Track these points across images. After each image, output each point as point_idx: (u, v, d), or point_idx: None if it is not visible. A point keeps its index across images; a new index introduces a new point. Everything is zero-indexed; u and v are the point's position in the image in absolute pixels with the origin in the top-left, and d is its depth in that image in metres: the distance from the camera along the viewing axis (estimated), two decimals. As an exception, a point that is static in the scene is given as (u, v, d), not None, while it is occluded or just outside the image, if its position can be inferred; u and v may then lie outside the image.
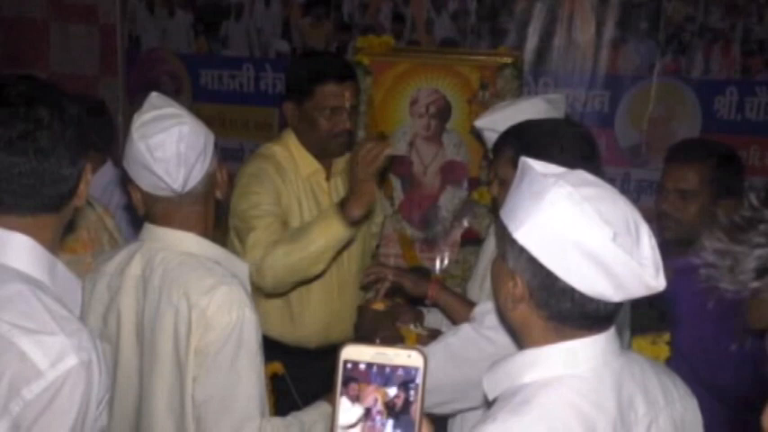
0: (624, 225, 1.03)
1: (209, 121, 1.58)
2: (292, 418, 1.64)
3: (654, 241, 1.06)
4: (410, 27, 3.68)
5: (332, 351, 2.48)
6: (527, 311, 1.12)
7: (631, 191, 3.43)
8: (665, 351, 1.79)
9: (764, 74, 3.42)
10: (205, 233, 1.59)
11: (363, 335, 2.13)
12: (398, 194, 3.14)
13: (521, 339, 1.18)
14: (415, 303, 2.12)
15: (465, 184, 3.11)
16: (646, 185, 3.42)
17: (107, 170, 2.75)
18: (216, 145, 1.59)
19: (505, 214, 1.14)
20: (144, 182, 1.52)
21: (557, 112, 2.01)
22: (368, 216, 2.13)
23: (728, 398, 1.82)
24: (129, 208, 2.24)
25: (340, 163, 2.36)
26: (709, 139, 2.21)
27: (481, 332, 1.64)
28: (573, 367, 1.10)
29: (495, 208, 1.83)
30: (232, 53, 3.92)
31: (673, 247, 1.88)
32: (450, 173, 3.11)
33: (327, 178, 2.33)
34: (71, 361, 1.12)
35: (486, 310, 1.68)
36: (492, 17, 3.61)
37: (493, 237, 2.15)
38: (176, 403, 1.51)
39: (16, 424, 1.10)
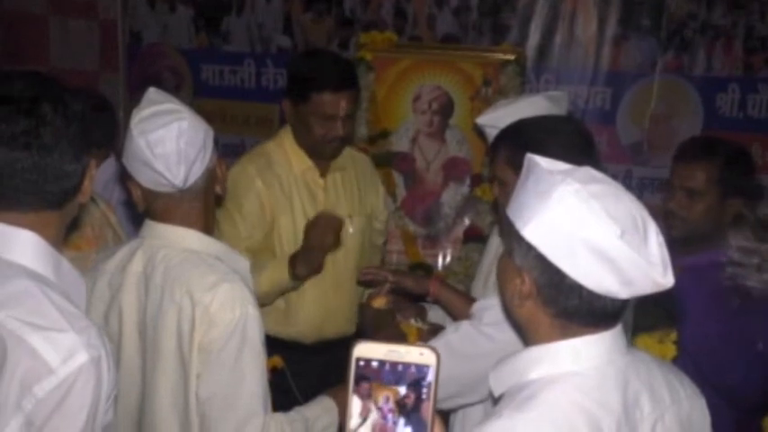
0: (632, 222, 1.03)
1: (209, 116, 1.58)
2: (295, 413, 1.64)
3: (661, 238, 1.06)
4: (412, 23, 3.68)
5: (328, 346, 2.49)
6: (534, 308, 1.12)
7: (633, 188, 3.42)
8: (671, 350, 1.79)
9: (767, 71, 3.41)
10: (206, 229, 1.59)
11: (365, 333, 2.14)
12: (401, 191, 3.14)
13: (527, 336, 1.18)
14: (417, 300, 2.12)
15: (467, 181, 3.12)
16: (647, 183, 3.43)
17: (109, 166, 2.74)
18: (216, 141, 1.59)
19: (512, 211, 1.13)
20: (144, 178, 1.51)
21: (558, 110, 2.00)
22: (317, 270, 2.25)
23: (735, 398, 1.82)
24: (129, 204, 2.23)
25: (340, 159, 2.37)
26: (720, 137, 2.18)
27: (480, 329, 1.64)
28: (579, 364, 1.10)
29: (496, 205, 1.83)
30: (233, 48, 3.91)
31: (679, 245, 1.88)
32: (452, 169, 3.11)
33: (323, 175, 2.34)
34: (82, 358, 1.12)
35: (484, 306, 1.68)
36: (494, 13, 3.61)
37: (497, 234, 2.15)
38: (180, 400, 1.51)
39: (29, 421, 1.10)
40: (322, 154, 2.30)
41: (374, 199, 2.49)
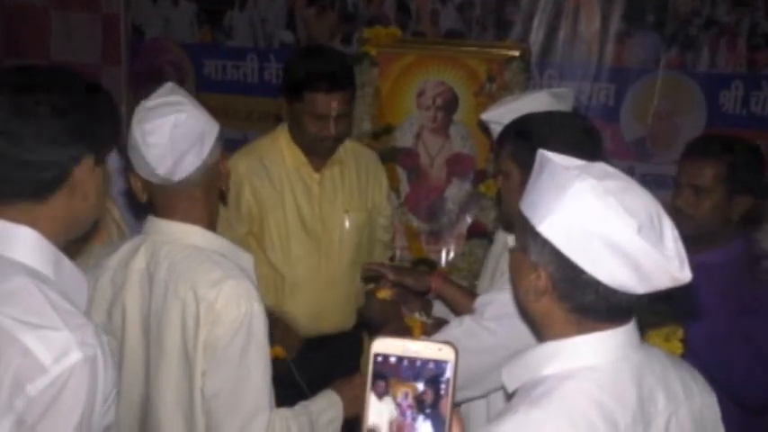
0: (648, 217, 1.03)
1: (212, 111, 1.58)
2: (300, 408, 1.65)
3: (676, 233, 1.06)
4: (415, 18, 3.67)
5: (325, 341, 2.50)
6: (549, 304, 1.12)
7: (636, 185, 3.42)
8: (678, 348, 1.79)
9: (770, 68, 3.42)
10: (209, 225, 1.58)
11: (371, 324, 2.14)
12: (404, 186, 3.13)
13: (541, 332, 1.18)
14: (419, 296, 2.12)
15: (471, 177, 3.11)
16: (650, 179, 3.42)
17: (111, 160, 2.73)
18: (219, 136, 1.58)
19: (526, 207, 1.13)
20: (138, 168, 1.52)
21: (564, 107, 2.00)
22: None
23: (740, 397, 1.82)
24: (129, 194, 2.23)
25: (339, 153, 2.37)
26: (730, 135, 2.18)
27: (482, 323, 1.65)
28: (594, 360, 1.10)
29: (500, 201, 1.83)
30: (236, 43, 3.89)
31: (686, 243, 1.88)
32: (456, 165, 3.10)
33: (318, 170, 2.35)
34: (75, 356, 1.11)
35: (486, 301, 1.69)
36: (497, 9, 3.60)
37: (502, 230, 2.15)
38: (185, 396, 1.51)
39: (21, 420, 1.09)
40: (316, 151, 2.32)
41: (377, 194, 2.49)
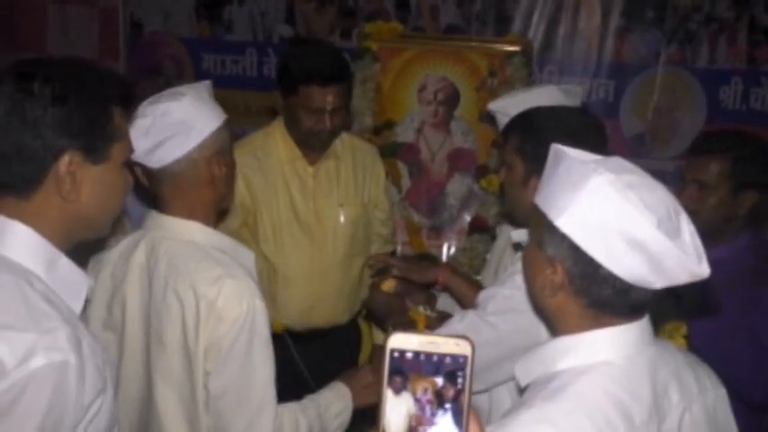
0: (666, 212, 1.03)
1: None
2: (308, 401, 1.65)
3: (693, 228, 1.06)
4: (415, 13, 3.67)
5: (318, 335, 2.49)
6: (564, 299, 1.11)
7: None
8: (681, 344, 1.78)
9: (770, 64, 3.43)
10: (207, 221, 1.56)
11: (375, 316, 2.14)
12: (405, 181, 3.13)
13: (555, 326, 1.17)
14: (424, 289, 2.12)
15: (473, 172, 3.11)
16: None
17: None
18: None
19: (542, 201, 1.13)
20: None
21: (572, 103, 1.99)
22: None
23: (744, 394, 1.83)
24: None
25: (335, 146, 2.37)
26: (737, 130, 2.17)
27: (485, 318, 1.65)
28: (608, 355, 1.10)
29: (503, 195, 1.82)
30: (235, 37, 3.88)
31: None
32: (457, 160, 3.10)
33: (313, 163, 2.35)
34: (38, 361, 1.04)
35: (489, 296, 1.68)
36: (497, 4, 3.60)
37: (506, 224, 2.15)
38: (186, 392, 1.50)
39: None
40: (311, 145, 2.32)
41: (373, 188, 2.49)
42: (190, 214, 1.54)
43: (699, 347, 1.81)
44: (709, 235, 1.90)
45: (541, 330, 1.50)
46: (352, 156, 2.44)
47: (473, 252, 3.02)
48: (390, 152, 3.04)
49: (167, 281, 1.49)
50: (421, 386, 0.76)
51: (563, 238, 1.07)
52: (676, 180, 2.10)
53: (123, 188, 1.27)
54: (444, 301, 2.11)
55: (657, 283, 1.05)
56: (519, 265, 1.62)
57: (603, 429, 1.03)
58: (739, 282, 1.87)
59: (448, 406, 0.76)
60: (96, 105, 1.17)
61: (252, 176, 2.30)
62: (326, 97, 2.17)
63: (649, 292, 1.08)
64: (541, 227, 1.11)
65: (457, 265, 2.98)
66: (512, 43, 3.07)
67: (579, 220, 1.05)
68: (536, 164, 1.55)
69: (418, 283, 2.08)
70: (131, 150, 1.30)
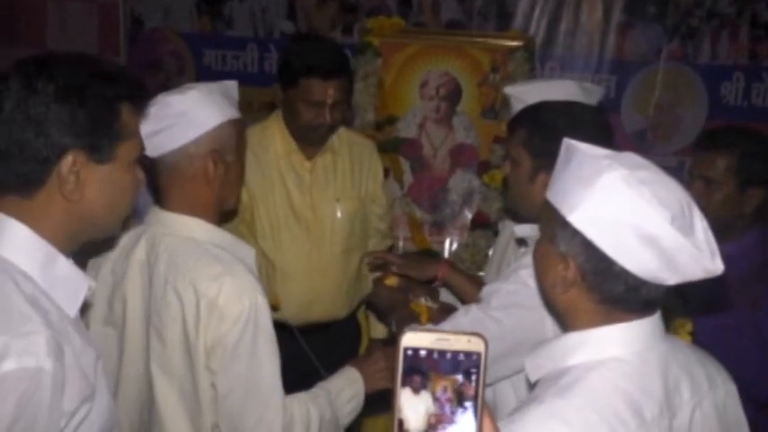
0: (679, 208, 1.03)
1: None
2: (318, 389, 1.65)
3: (706, 224, 1.06)
4: (416, 9, 3.66)
5: (316, 329, 2.49)
6: (576, 295, 1.11)
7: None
8: (687, 340, 1.79)
9: (772, 60, 3.43)
10: (208, 218, 1.55)
11: (379, 310, 2.14)
12: (408, 177, 3.12)
13: (566, 322, 1.17)
14: (426, 284, 2.12)
15: (475, 168, 3.10)
16: (651, 171, 3.42)
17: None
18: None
19: (554, 196, 1.12)
20: None
21: (588, 101, 1.97)
22: None
23: (750, 392, 1.82)
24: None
25: (332, 141, 2.37)
26: (744, 126, 2.16)
27: (489, 313, 1.64)
28: (620, 350, 1.10)
29: (505, 190, 1.81)
30: (236, 33, 3.87)
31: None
32: (459, 156, 3.09)
33: (310, 158, 2.35)
34: (8, 365, 1.01)
35: (493, 290, 1.68)
36: (498, 0, 3.60)
37: (509, 220, 2.15)
38: (187, 389, 1.49)
39: None
40: (309, 139, 2.31)
41: (371, 183, 2.49)
42: (189, 210, 1.53)
43: (704, 345, 1.81)
44: (717, 232, 1.90)
45: (545, 325, 1.50)
46: (350, 150, 2.43)
47: (475, 248, 3.02)
48: (392, 148, 3.04)
49: (167, 278, 1.48)
50: (441, 384, 0.75)
51: (576, 234, 1.07)
52: (678, 176, 2.09)
53: (132, 187, 1.24)
54: (445, 297, 2.11)
55: (670, 279, 1.04)
56: (523, 261, 1.62)
57: (614, 425, 1.03)
58: (746, 279, 1.87)
59: (467, 404, 0.75)
60: (102, 103, 1.14)
61: (248, 172, 2.27)
62: (327, 90, 2.17)
63: (662, 289, 1.07)
64: (553, 222, 1.11)
65: (459, 260, 2.98)
66: (514, 39, 3.07)
67: (592, 216, 1.04)
68: (544, 159, 1.54)
69: (419, 280, 2.08)
70: (142, 148, 1.27)
